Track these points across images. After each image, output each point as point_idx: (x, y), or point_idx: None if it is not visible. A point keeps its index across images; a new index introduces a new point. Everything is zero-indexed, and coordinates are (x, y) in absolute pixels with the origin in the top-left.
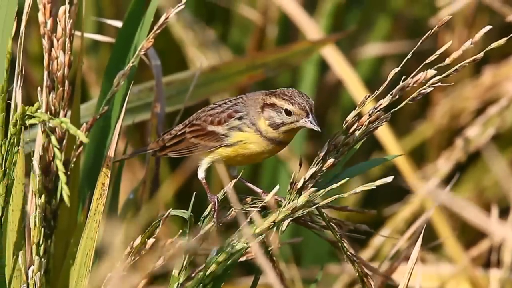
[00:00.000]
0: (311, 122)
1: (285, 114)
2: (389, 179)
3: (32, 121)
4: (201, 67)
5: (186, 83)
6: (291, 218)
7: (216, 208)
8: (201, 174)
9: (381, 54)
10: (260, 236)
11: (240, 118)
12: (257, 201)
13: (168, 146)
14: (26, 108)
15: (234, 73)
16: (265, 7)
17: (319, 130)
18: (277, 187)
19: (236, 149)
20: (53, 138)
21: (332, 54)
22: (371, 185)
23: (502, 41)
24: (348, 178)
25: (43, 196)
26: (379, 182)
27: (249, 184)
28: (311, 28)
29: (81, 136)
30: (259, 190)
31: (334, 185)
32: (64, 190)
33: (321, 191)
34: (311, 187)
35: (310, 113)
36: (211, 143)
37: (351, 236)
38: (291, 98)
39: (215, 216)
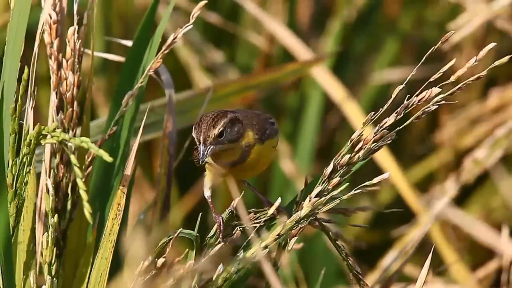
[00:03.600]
0: (198, 151)
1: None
2: (386, 175)
3: (49, 140)
4: (210, 87)
5: (198, 100)
6: (300, 226)
7: (221, 228)
8: (206, 193)
9: (389, 79)
10: (266, 250)
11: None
12: (261, 215)
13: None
14: (43, 127)
15: (228, 94)
16: (271, 33)
17: (200, 162)
18: (279, 199)
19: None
20: (72, 157)
21: (324, 77)
22: (369, 183)
23: (505, 58)
24: (348, 183)
25: (56, 216)
26: (376, 179)
27: (256, 192)
28: (304, 53)
29: (105, 155)
30: (263, 199)
31: (334, 192)
32: (85, 208)
33: (323, 198)
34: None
35: (201, 143)
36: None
37: (358, 256)
38: (197, 124)
39: (220, 236)
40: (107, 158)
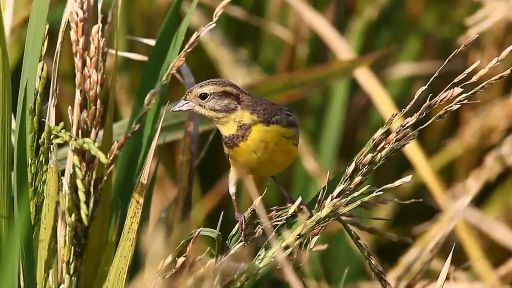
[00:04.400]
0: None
1: None
2: (407, 178)
3: (57, 140)
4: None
5: None
6: (321, 225)
7: (243, 227)
8: (231, 189)
9: (411, 74)
10: (288, 250)
11: None
12: (282, 213)
13: None
14: (52, 127)
15: (271, 91)
16: (296, 26)
17: (170, 110)
18: (300, 199)
19: (232, 160)
20: (74, 157)
21: (363, 74)
22: (390, 186)
23: None
24: (368, 186)
25: (73, 215)
26: (398, 182)
27: (280, 187)
28: (342, 48)
29: (102, 157)
30: (286, 196)
31: (355, 194)
32: (82, 209)
33: (344, 200)
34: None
35: (182, 97)
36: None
37: (379, 253)
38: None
39: (242, 234)
40: (104, 159)
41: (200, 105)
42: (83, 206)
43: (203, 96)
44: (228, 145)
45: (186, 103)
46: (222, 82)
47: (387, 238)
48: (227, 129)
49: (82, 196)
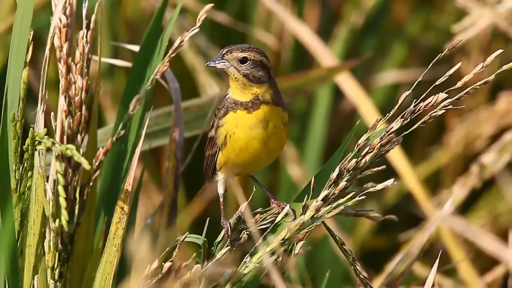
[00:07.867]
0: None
1: None
2: (389, 182)
3: (40, 146)
4: (219, 92)
5: (204, 108)
6: (305, 230)
7: (229, 233)
8: (220, 190)
9: (396, 81)
10: (274, 255)
11: (215, 115)
12: (267, 216)
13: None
14: (36, 133)
15: None
16: (280, 32)
17: (208, 64)
18: (287, 207)
19: (228, 148)
20: (57, 164)
21: (346, 81)
22: (373, 190)
23: None
24: (353, 193)
25: (57, 221)
26: (380, 186)
27: (262, 187)
28: (326, 55)
29: (85, 163)
30: (270, 196)
31: (341, 200)
32: (63, 216)
33: (329, 206)
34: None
35: (219, 54)
36: (213, 150)
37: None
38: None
39: (229, 241)
40: (87, 166)
41: (235, 67)
42: (64, 212)
43: (242, 61)
44: (237, 107)
45: (222, 62)
46: (260, 52)
47: (372, 243)
48: (241, 96)
49: (63, 203)
